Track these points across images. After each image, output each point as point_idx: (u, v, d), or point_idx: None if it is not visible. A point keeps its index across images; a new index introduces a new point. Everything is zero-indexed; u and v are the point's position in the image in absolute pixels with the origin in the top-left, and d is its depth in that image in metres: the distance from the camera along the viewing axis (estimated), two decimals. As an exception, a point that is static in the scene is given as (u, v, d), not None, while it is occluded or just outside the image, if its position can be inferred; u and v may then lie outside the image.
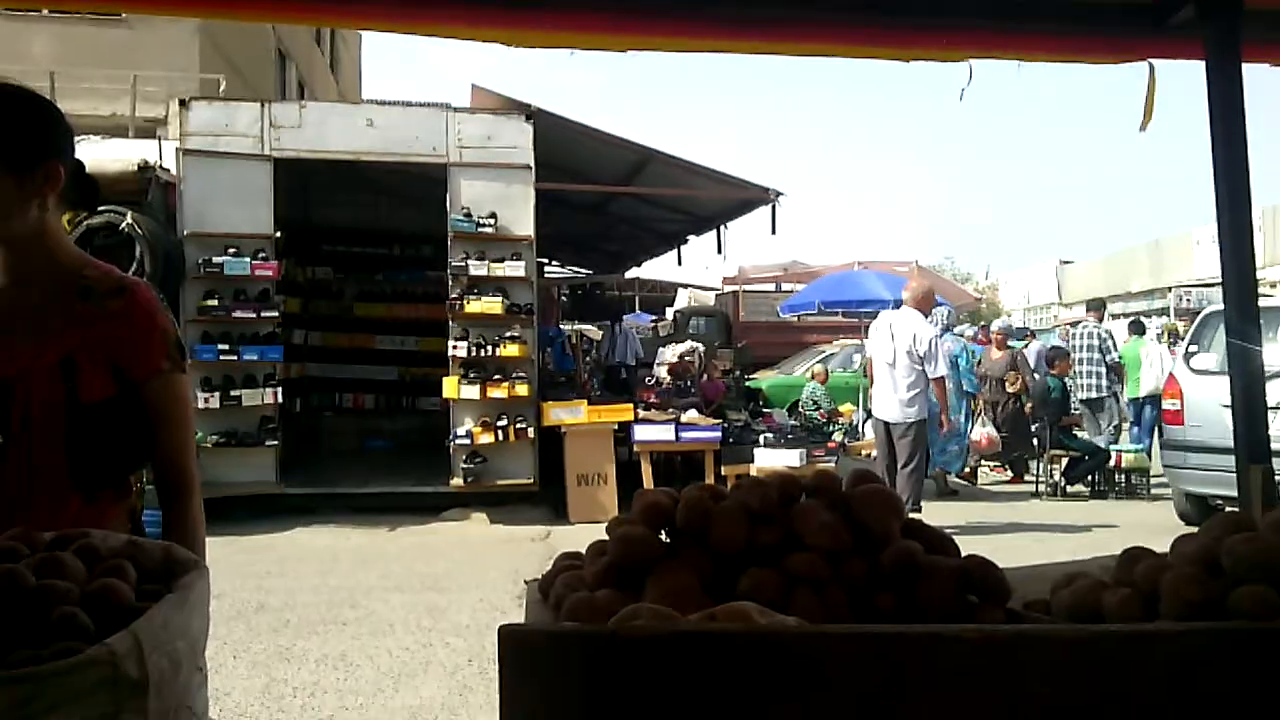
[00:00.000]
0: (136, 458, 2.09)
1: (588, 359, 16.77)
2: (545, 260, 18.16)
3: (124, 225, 8.98)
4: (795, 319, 20.91)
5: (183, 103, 10.12)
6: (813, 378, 14.95)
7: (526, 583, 1.71)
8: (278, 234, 10.25)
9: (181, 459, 2.09)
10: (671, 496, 1.60)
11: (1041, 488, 11.98)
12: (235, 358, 9.83)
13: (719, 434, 10.41)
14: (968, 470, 12.32)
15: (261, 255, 9.97)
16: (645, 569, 1.49)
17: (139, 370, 2.03)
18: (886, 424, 8.98)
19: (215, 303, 9.81)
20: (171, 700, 1.33)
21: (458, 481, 10.23)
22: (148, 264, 9.01)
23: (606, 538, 1.57)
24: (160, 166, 10.01)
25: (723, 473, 9.98)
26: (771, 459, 9.81)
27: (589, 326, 20.71)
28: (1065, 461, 11.94)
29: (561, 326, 17.52)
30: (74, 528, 1.65)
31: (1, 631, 1.29)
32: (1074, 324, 16.99)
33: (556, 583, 1.57)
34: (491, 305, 10.24)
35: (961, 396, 11.69)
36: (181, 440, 2.09)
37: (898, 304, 11.65)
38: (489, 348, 10.26)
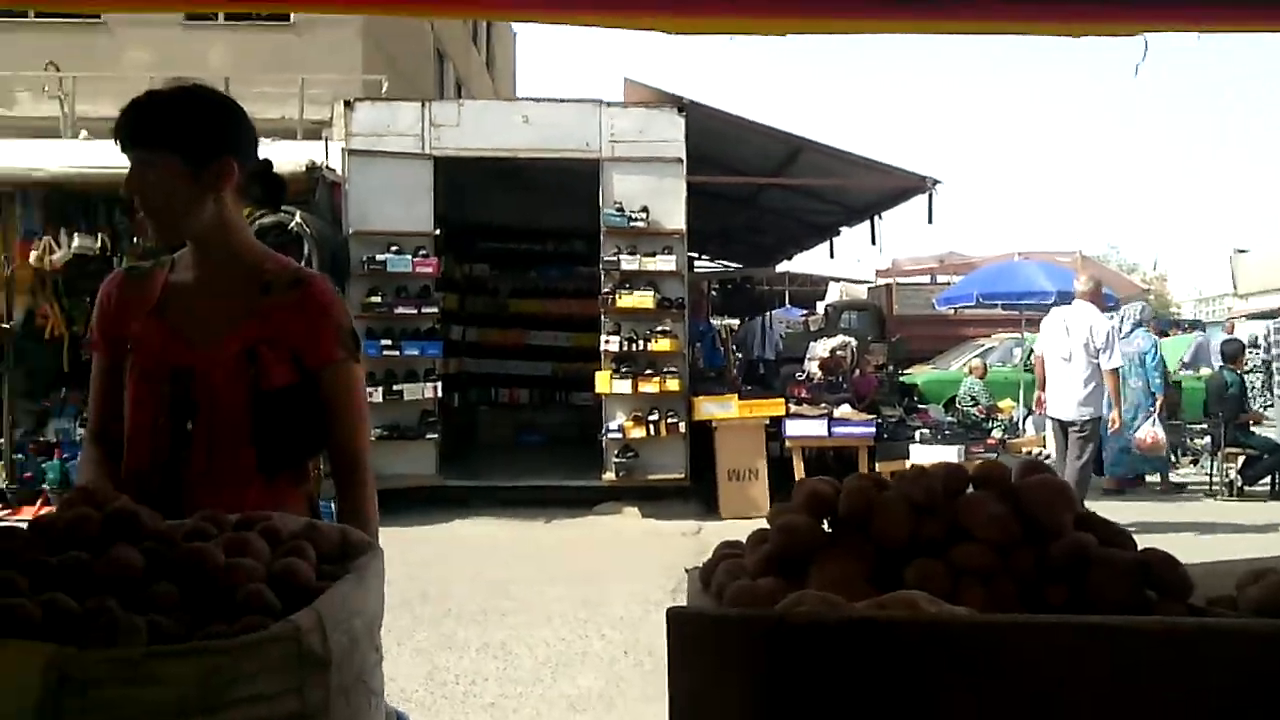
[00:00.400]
0: (314, 443, 2.19)
1: (737, 354, 16.74)
2: (695, 254, 18.19)
3: (293, 225, 9.35)
4: (952, 312, 20.37)
5: (347, 104, 10.51)
6: (970, 372, 14.56)
7: (687, 570, 1.71)
8: (437, 231, 10.54)
9: (354, 445, 2.18)
10: (834, 486, 1.58)
11: (1216, 486, 11.43)
12: (397, 353, 10.14)
13: (873, 430, 10.26)
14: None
15: (422, 253, 10.27)
16: (807, 558, 1.48)
17: (315, 359, 2.13)
18: (1063, 423, 8.75)
19: (378, 299, 10.14)
20: (351, 676, 1.39)
21: (610, 475, 10.34)
22: (315, 262, 9.36)
23: (765, 527, 1.57)
24: (326, 166, 10.39)
25: (877, 469, 9.83)
26: (928, 455, 9.61)
27: (734, 321, 20.65)
28: (1242, 460, 11.36)
29: (711, 321, 17.52)
30: (256, 510, 1.74)
31: (194, 606, 1.36)
32: (1269, 314, 16.19)
33: (718, 571, 1.57)
34: (643, 299, 10.31)
35: (1148, 396, 11.25)
36: (354, 427, 2.18)
37: (1062, 296, 11.30)
38: (640, 342, 10.34)
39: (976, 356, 17.23)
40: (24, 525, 1.52)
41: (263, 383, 2.07)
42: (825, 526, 1.55)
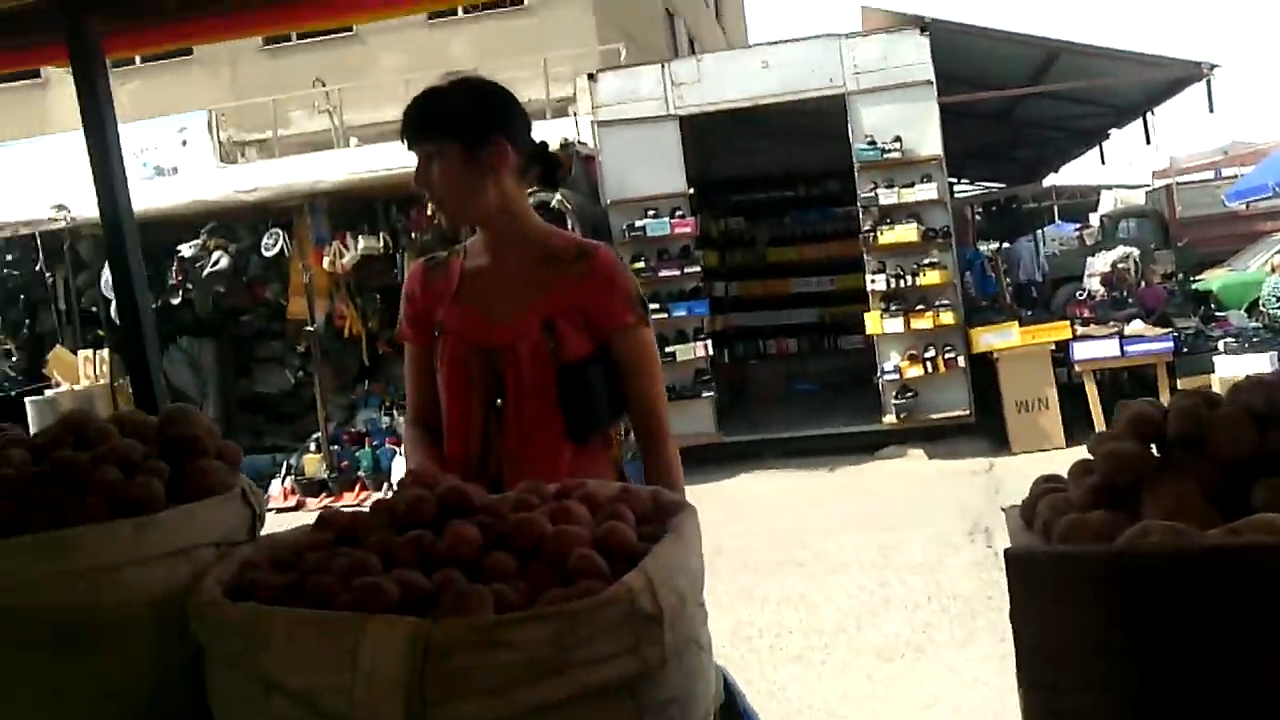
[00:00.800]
0: (616, 409, 2.26)
1: (1006, 279, 16.06)
2: (953, 179, 17.51)
3: (554, 202, 9.65)
4: (1243, 207, 18.77)
5: (591, 77, 10.73)
6: (1273, 271, 13.37)
7: (1005, 509, 1.66)
8: (691, 190, 10.62)
9: (653, 405, 2.23)
10: (1158, 407, 1.49)
11: None
12: (665, 315, 10.31)
13: (1170, 344, 9.60)
14: None
15: (679, 213, 10.40)
16: (1137, 486, 1.39)
17: (608, 326, 2.19)
18: None
19: (642, 264, 10.33)
20: (682, 633, 1.42)
21: (890, 418, 10.17)
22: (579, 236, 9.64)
23: (1087, 458, 1.49)
24: (579, 141, 10.65)
25: (1179, 386, 9.18)
26: (1236, 366, 8.90)
27: (994, 244, 19.80)
28: None
29: (978, 247, 16.86)
30: (568, 478, 1.81)
31: (528, 574, 1.43)
32: None
33: (1040, 506, 1.50)
34: (906, 233, 10.04)
35: None
36: (651, 388, 2.24)
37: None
38: (908, 277, 10.08)
39: (1278, 252, 15.80)
40: (367, 509, 1.63)
41: (562, 354, 2.15)
42: (1153, 451, 1.46)
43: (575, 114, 11.60)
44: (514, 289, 2.22)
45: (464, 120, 2.16)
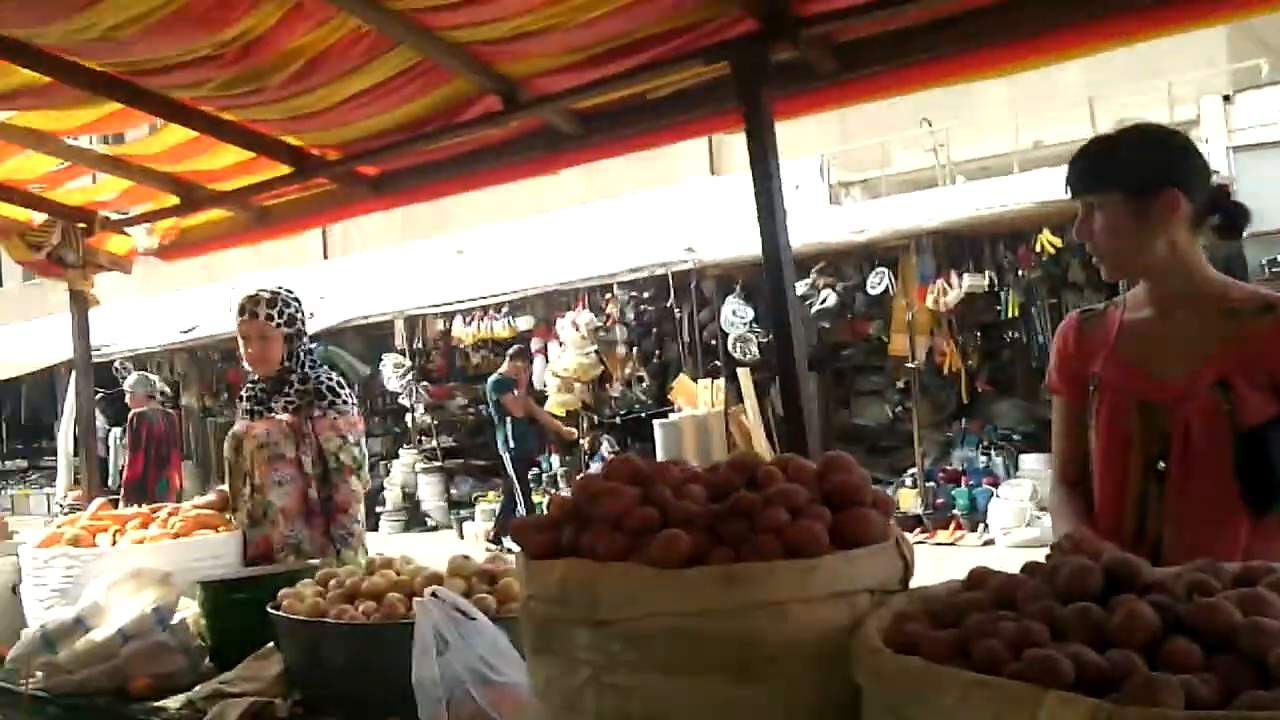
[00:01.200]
0: None
1: None
2: None
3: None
4: None
5: (1226, 98, 9.84)
6: None
7: None
8: (1355, 221, 9.28)
9: None
10: None
11: None
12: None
13: None
14: None
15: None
16: None
17: None
18: None
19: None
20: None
21: None
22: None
23: None
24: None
25: None
26: None
27: None
28: None
29: None
30: (1243, 556, 1.62)
31: (1218, 667, 1.28)
32: None
33: None
34: None
35: None
36: None
37: None
38: None
39: None
40: (1020, 572, 1.57)
41: (1240, 417, 1.96)
42: None
43: (1206, 139, 10.63)
44: (1184, 345, 2.07)
45: (1131, 171, 2.07)
